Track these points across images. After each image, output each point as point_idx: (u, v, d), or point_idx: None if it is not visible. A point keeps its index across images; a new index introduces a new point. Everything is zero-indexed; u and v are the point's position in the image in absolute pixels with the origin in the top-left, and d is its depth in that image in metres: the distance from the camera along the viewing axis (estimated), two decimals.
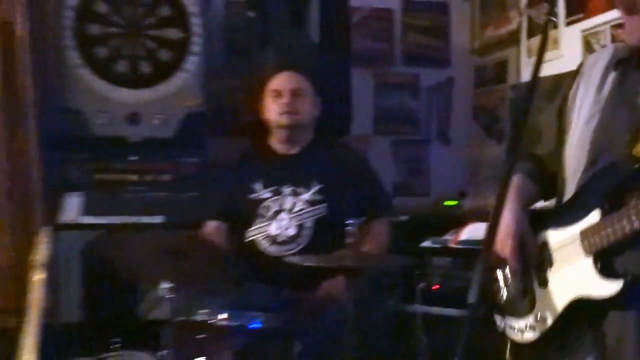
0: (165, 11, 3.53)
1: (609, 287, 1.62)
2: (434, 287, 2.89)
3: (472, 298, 1.62)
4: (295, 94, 2.82)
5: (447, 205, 3.89)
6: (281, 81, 2.86)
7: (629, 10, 1.70)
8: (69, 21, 3.44)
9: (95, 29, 3.47)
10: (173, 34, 3.53)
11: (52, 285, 3.20)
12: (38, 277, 2.99)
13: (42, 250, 3.06)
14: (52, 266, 3.15)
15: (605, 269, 1.64)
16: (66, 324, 3.31)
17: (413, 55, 4.29)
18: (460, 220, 3.23)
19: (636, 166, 1.62)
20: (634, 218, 1.53)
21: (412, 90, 4.29)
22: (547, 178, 1.95)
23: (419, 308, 2.84)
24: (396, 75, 4.28)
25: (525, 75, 3.61)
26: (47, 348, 2.90)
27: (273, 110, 2.84)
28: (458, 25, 4.32)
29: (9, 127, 3.54)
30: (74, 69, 3.45)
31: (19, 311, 3.19)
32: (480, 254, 1.65)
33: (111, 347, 2.74)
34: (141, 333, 2.82)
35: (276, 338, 2.32)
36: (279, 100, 2.82)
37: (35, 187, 3.53)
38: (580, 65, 1.92)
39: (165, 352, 2.34)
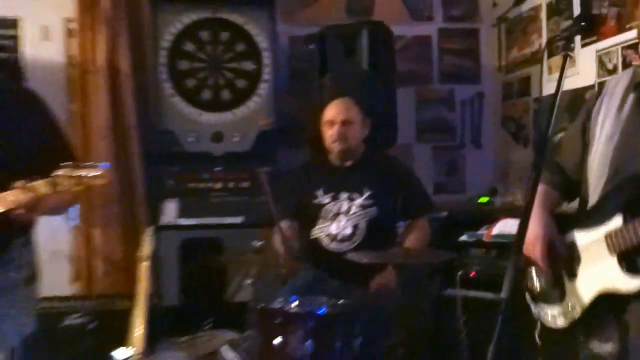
0: (240, 47, 3.57)
1: (634, 283, 1.60)
2: (471, 274, 2.84)
3: (504, 294, 1.61)
4: (345, 123, 2.79)
5: (480, 202, 3.81)
6: (333, 112, 2.83)
7: None
8: (163, 59, 3.51)
9: (184, 65, 3.54)
10: (248, 66, 3.58)
11: (155, 275, 3.27)
12: (144, 268, 3.07)
13: (146, 246, 3.12)
14: (155, 259, 3.23)
15: (630, 267, 1.62)
16: (167, 307, 3.36)
17: (448, 74, 4.23)
18: (492, 215, 3.17)
19: None
20: None
21: (448, 103, 4.24)
22: (569, 186, 1.91)
23: (458, 292, 2.80)
24: (434, 92, 4.22)
25: (546, 89, 3.52)
26: (152, 327, 2.96)
27: (328, 137, 2.82)
28: (487, 47, 4.24)
29: (117, 147, 3.65)
30: (168, 98, 3.52)
31: (129, 296, 3.27)
32: (511, 255, 1.65)
33: (204, 327, 2.77)
34: (229, 315, 2.83)
35: (339, 321, 2.33)
36: (332, 130, 2.80)
37: (140, 195, 3.64)
38: (602, 86, 1.87)
39: (249, 332, 2.39)
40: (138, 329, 2.87)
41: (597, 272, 1.69)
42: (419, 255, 2.50)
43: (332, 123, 2.80)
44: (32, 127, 2.12)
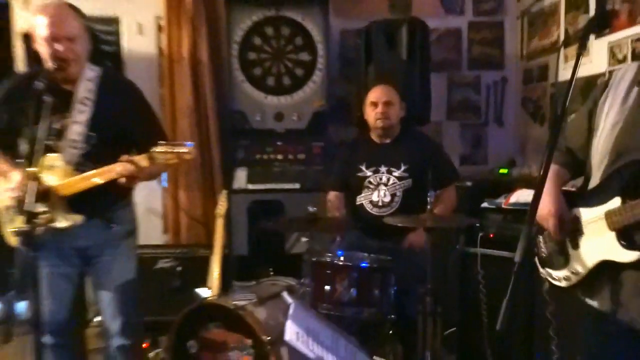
0: (299, 41, 3.55)
1: (631, 255, 1.57)
2: (490, 235, 2.81)
3: (517, 257, 1.60)
4: (386, 104, 2.78)
5: (500, 173, 3.72)
6: (377, 94, 2.81)
7: None
8: (235, 51, 3.52)
9: (252, 56, 3.55)
10: (305, 56, 3.56)
11: (229, 230, 3.35)
12: (219, 223, 3.14)
13: (221, 206, 3.19)
14: (228, 217, 3.27)
15: (627, 241, 1.59)
16: (237, 256, 3.42)
17: (476, 61, 4.10)
18: (510, 185, 3.09)
19: None
20: None
21: (475, 87, 4.12)
22: (577, 165, 1.85)
23: (479, 250, 2.77)
24: (463, 77, 4.11)
25: (562, 76, 3.39)
26: (225, 272, 3.04)
27: (371, 116, 2.81)
28: (510, 38, 4.08)
29: (197, 124, 3.71)
30: (240, 84, 3.54)
31: (208, 246, 3.36)
32: (525, 223, 1.63)
33: (268, 273, 2.83)
34: (288, 264, 2.87)
35: (378, 272, 2.36)
36: (375, 109, 2.79)
37: (216, 163, 3.71)
38: (609, 77, 1.77)
39: (304, 280, 2.44)
40: (215, 273, 2.97)
41: (598, 245, 1.65)
42: (446, 220, 2.49)
43: (375, 104, 2.78)
44: (133, 111, 2.20)
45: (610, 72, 2.94)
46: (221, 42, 3.62)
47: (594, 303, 1.75)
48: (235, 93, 3.52)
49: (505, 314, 1.55)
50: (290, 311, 1.71)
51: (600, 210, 1.64)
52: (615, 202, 1.60)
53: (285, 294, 2.20)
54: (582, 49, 1.60)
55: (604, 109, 1.70)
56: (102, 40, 3.78)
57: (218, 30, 3.67)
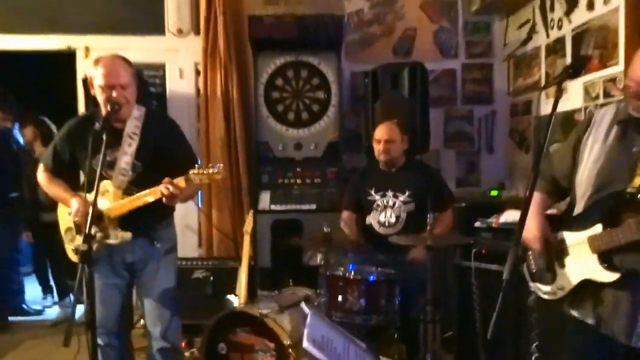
0: (315, 82, 3.56)
1: (611, 276, 1.57)
2: (482, 251, 2.77)
3: (505, 275, 1.58)
4: (387, 142, 2.77)
5: (491, 194, 3.69)
6: (380, 133, 2.80)
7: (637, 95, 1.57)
8: (261, 91, 3.54)
9: (276, 95, 3.56)
10: (320, 95, 3.56)
11: (254, 245, 3.35)
12: (246, 239, 3.14)
13: (248, 224, 3.19)
14: (254, 233, 3.25)
15: (608, 264, 1.58)
16: (262, 268, 3.40)
17: (469, 97, 4.08)
18: (500, 206, 3.06)
19: (629, 196, 1.54)
20: (627, 233, 1.50)
21: (468, 119, 4.09)
22: (559, 192, 1.84)
23: (473, 264, 2.74)
24: (458, 111, 4.09)
25: (543, 110, 3.37)
26: (251, 282, 3.03)
27: (376, 150, 2.81)
28: (499, 77, 4.06)
29: (229, 153, 3.73)
30: (265, 118, 3.55)
31: (237, 259, 3.36)
32: (512, 244, 1.61)
33: (288, 284, 2.80)
34: (305, 275, 2.85)
35: (384, 285, 2.35)
36: (379, 146, 2.79)
37: (244, 187, 3.71)
38: (592, 114, 1.77)
39: (320, 290, 2.44)
40: (242, 282, 2.97)
41: (582, 265, 1.64)
42: (444, 239, 2.47)
43: (379, 141, 2.78)
44: (171, 142, 2.24)
45: (590, 111, 2.94)
46: (249, 83, 3.66)
47: (576, 313, 1.73)
48: (261, 126, 3.54)
49: (494, 324, 1.54)
50: (308, 321, 1.70)
51: (584, 235, 1.63)
52: (597, 228, 1.59)
53: (303, 305, 2.19)
54: (559, 93, 1.62)
55: (587, 144, 1.70)
56: (150, 83, 3.87)
57: (247, 73, 3.71)
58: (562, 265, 1.72)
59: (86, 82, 3.57)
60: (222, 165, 2.03)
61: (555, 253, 1.74)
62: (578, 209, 1.69)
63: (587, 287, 1.64)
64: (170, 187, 1.97)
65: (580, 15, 3.00)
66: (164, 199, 2.00)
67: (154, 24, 3.83)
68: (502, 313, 1.52)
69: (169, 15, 3.85)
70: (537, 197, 1.76)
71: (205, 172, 1.96)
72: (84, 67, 3.77)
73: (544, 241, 1.72)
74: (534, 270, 1.85)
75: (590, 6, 2.88)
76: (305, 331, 1.64)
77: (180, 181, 1.99)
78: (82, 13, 3.82)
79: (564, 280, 1.71)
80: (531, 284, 1.88)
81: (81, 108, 3.74)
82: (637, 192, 1.52)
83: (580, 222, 1.65)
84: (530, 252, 1.84)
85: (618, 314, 1.59)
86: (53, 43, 3.83)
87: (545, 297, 1.80)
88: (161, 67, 3.91)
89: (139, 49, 3.82)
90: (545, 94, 3.40)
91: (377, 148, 2.79)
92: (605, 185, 1.60)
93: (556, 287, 1.74)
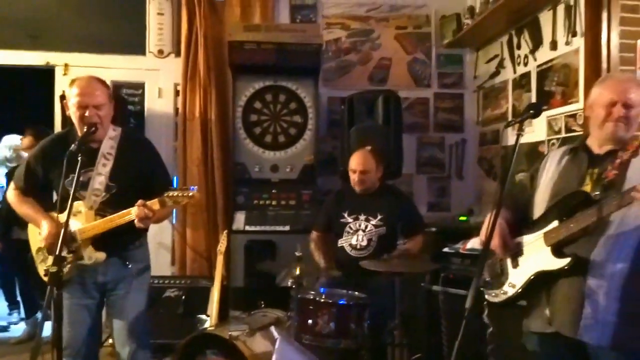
0: (293, 106, 3.57)
1: (561, 262, 1.65)
2: (450, 276, 2.81)
3: (468, 303, 1.63)
4: (362, 172, 2.79)
5: (460, 219, 3.76)
6: (354, 163, 2.82)
7: (599, 127, 1.72)
8: (239, 113, 3.53)
9: (254, 117, 3.56)
10: (297, 118, 3.58)
11: (227, 265, 3.32)
12: (220, 259, 3.10)
13: (222, 244, 3.16)
14: (228, 253, 3.24)
15: (558, 251, 1.67)
16: (234, 287, 3.34)
17: (441, 125, 4.18)
18: (468, 232, 3.09)
19: (583, 196, 1.66)
20: (579, 220, 1.60)
21: (440, 146, 4.18)
22: (519, 218, 1.90)
23: (441, 288, 2.77)
24: (430, 138, 4.17)
25: (510, 140, 3.48)
26: (223, 302, 2.98)
27: (351, 178, 2.83)
28: (469, 107, 4.18)
29: (205, 173, 3.73)
30: (242, 140, 3.53)
31: (210, 278, 3.33)
32: (475, 275, 1.66)
33: (260, 305, 2.77)
34: (278, 296, 2.77)
35: (354, 308, 2.34)
36: (354, 175, 2.81)
37: (220, 207, 3.69)
38: (547, 153, 1.98)
39: (290, 313, 2.41)
40: (214, 302, 2.93)
41: (535, 260, 1.73)
42: (414, 265, 2.49)
43: (354, 171, 2.80)
44: (146, 164, 2.22)
45: (549, 141, 3.06)
46: (228, 105, 3.67)
47: (529, 323, 1.80)
48: (238, 148, 3.53)
49: (457, 352, 1.57)
50: (277, 346, 1.69)
51: (540, 232, 1.72)
52: (553, 224, 1.69)
53: (273, 329, 2.17)
54: (521, 130, 1.71)
55: (544, 169, 1.85)
56: (129, 101, 3.84)
57: (226, 95, 3.73)
58: (516, 265, 1.81)
59: (63, 99, 3.53)
60: (196, 187, 2.02)
61: (511, 257, 1.82)
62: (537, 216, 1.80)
63: (541, 282, 1.72)
64: (144, 210, 1.95)
65: (545, 54, 3.14)
66: (136, 222, 1.97)
67: (135, 44, 3.83)
68: (465, 339, 1.57)
69: (151, 36, 3.86)
70: (499, 223, 1.82)
71: (179, 194, 1.95)
72: (63, 84, 3.73)
73: (503, 239, 1.79)
74: (487, 280, 1.91)
75: (554, 46, 3.01)
76: (274, 357, 1.63)
77: (154, 204, 1.97)
78: (63, 30, 3.80)
79: (516, 278, 1.79)
80: (485, 294, 1.93)
81: (58, 125, 3.69)
82: (591, 192, 1.65)
83: (538, 224, 1.76)
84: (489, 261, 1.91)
85: (566, 308, 1.66)
86: (32, 59, 3.78)
87: (495, 299, 1.86)
88: (141, 86, 3.89)
89: (119, 67, 3.83)
90: (511, 127, 3.51)
91: (353, 177, 2.81)
92: (560, 193, 1.73)
93: (508, 285, 1.80)
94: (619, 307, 1.58)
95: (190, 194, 1.96)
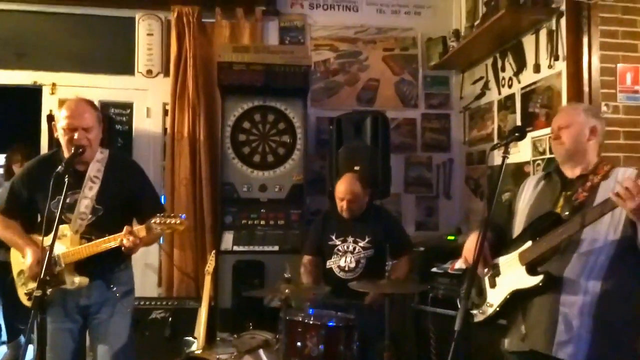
0: (282, 126, 3.59)
1: (534, 280, 1.70)
2: (439, 296, 2.81)
3: (457, 326, 1.63)
4: (350, 201, 2.78)
5: (448, 239, 3.74)
6: (342, 191, 2.79)
7: (555, 139, 1.87)
8: (228, 133, 3.54)
9: (242, 137, 3.56)
10: (286, 138, 3.59)
11: (215, 285, 3.25)
12: (208, 279, 3.06)
13: (210, 264, 3.12)
14: (216, 274, 3.19)
15: (531, 270, 1.73)
16: (222, 308, 3.31)
17: (428, 145, 4.23)
18: (456, 251, 3.09)
19: (555, 216, 1.73)
20: (551, 239, 1.66)
21: (427, 166, 4.22)
22: (501, 239, 1.96)
23: (429, 308, 2.77)
24: (418, 157, 4.21)
25: (496, 161, 3.53)
26: (211, 322, 2.93)
27: (339, 206, 2.82)
28: (456, 127, 4.23)
29: (193, 192, 3.69)
30: (231, 160, 3.54)
31: (197, 299, 3.26)
32: (463, 297, 1.68)
33: (248, 327, 2.67)
34: (266, 318, 2.77)
35: (343, 330, 2.31)
36: (341, 202, 2.80)
37: (208, 226, 3.65)
38: (525, 181, 2.03)
39: (279, 335, 2.37)
40: (202, 324, 2.87)
41: (510, 279, 1.78)
42: (402, 287, 2.49)
43: (341, 199, 2.80)
44: (134, 187, 2.20)
45: (534, 161, 3.11)
46: (216, 125, 3.66)
47: (507, 342, 1.84)
48: (227, 167, 3.52)
49: None
50: None
51: (515, 252, 1.78)
52: (527, 244, 1.75)
53: (261, 352, 2.14)
54: (506, 153, 1.76)
55: (521, 196, 1.95)
56: (117, 121, 3.82)
57: (214, 115, 3.72)
58: (494, 285, 1.85)
59: (50, 119, 3.50)
60: (185, 215, 2.00)
61: (489, 277, 1.87)
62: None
63: (517, 301, 1.76)
64: (131, 237, 1.92)
65: (528, 77, 3.21)
66: (123, 248, 1.94)
67: (123, 64, 3.83)
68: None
69: (139, 57, 3.86)
70: (485, 244, 1.85)
71: (167, 222, 1.91)
72: (50, 104, 3.70)
73: (484, 264, 1.85)
74: (474, 301, 1.94)
75: (537, 69, 3.08)
76: None
77: (141, 230, 1.95)
78: (51, 49, 3.78)
79: (494, 298, 1.83)
80: (473, 315, 1.95)
81: (44, 144, 3.65)
82: (562, 212, 1.73)
83: (514, 244, 1.83)
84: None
85: (541, 325, 1.69)
86: (20, 78, 3.76)
87: (476, 320, 1.90)
88: (129, 106, 3.88)
89: (107, 87, 3.81)
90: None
91: (340, 205, 2.81)
92: (534, 215, 1.81)
93: (486, 305, 1.85)
94: (592, 324, 1.62)
95: (179, 221, 1.93)
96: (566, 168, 1.85)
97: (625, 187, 1.49)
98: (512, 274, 1.77)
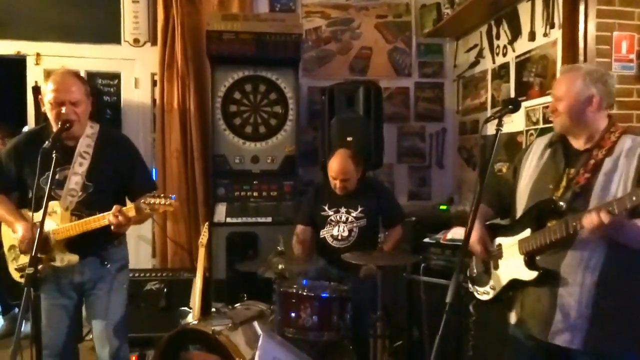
0: (273, 96, 3.54)
1: (531, 274, 1.72)
2: (431, 266, 2.84)
3: (448, 298, 1.65)
4: (343, 180, 2.74)
5: (441, 209, 3.77)
6: (335, 170, 2.74)
7: (552, 112, 1.79)
8: (218, 104, 3.49)
9: (233, 108, 3.51)
10: (278, 109, 3.55)
11: (209, 257, 3.29)
12: (202, 251, 3.07)
13: (204, 236, 3.13)
14: (209, 245, 3.22)
15: (529, 263, 1.74)
16: (216, 280, 3.33)
17: (421, 115, 4.20)
18: (448, 221, 3.14)
19: (553, 204, 1.70)
20: (547, 235, 1.66)
21: (420, 136, 4.20)
22: (502, 206, 1.99)
23: (422, 278, 2.80)
24: (411, 127, 4.19)
25: (489, 130, 3.50)
26: (206, 294, 2.96)
27: (332, 184, 2.79)
28: (449, 96, 4.20)
29: (185, 165, 3.67)
30: (222, 131, 3.50)
31: (191, 270, 3.29)
32: (455, 269, 1.69)
33: (242, 298, 2.73)
34: (260, 288, 2.77)
35: (336, 301, 2.34)
36: (334, 181, 2.76)
37: (200, 199, 3.66)
38: (531, 143, 1.97)
39: (273, 306, 2.41)
40: (196, 295, 2.90)
41: (511, 266, 1.79)
42: (394, 258, 2.51)
43: (334, 178, 2.77)
44: (125, 163, 2.16)
45: (527, 131, 3.10)
46: (207, 95, 3.60)
47: (510, 315, 1.87)
48: (218, 139, 3.49)
49: (438, 346, 1.59)
50: (260, 342, 1.69)
51: (516, 238, 1.78)
52: (527, 232, 1.75)
53: (255, 324, 2.17)
54: (499, 125, 1.73)
55: (525, 165, 1.89)
56: (104, 92, 3.74)
57: (204, 86, 3.66)
58: (497, 267, 1.87)
59: (36, 90, 3.42)
60: (176, 196, 1.96)
61: (493, 257, 1.88)
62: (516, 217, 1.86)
63: (515, 287, 1.80)
64: (120, 217, 1.90)
65: (523, 45, 3.15)
66: (112, 227, 1.93)
67: (109, 33, 3.72)
68: (446, 330, 1.59)
69: (126, 25, 3.75)
70: (480, 208, 1.86)
71: (157, 202, 1.87)
72: (35, 75, 3.61)
73: (483, 245, 1.87)
74: (474, 274, 1.99)
75: (532, 37, 3.03)
76: (257, 353, 1.63)
77: (130, 210, 1.91)
78: (34, 18, 3.65)
79: (496, 281, 1.87)
80: (471, 287, 2.01)
81: (30, 116, 3.57)
82: (558, 200, 1.70)
83: (514, 228, 1.82)
84: (473, 257, 1.98)
85: (536, 312, 1.73)
86: (2, 48, 3.64)
87: (481, 297, 1.95)
88: (116, 77, 3.79)
89: (93, 57, 3.72)
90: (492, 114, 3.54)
91: (333, 183, 2.78)
92: (536, 196, 1.78)
93: (489, 287, 1.89)
94: (589, 313, 1.63)
95: (169, 202, 1.88)
96: (570, 138, 1.78)
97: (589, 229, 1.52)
98: (513, 260, 1.78)
